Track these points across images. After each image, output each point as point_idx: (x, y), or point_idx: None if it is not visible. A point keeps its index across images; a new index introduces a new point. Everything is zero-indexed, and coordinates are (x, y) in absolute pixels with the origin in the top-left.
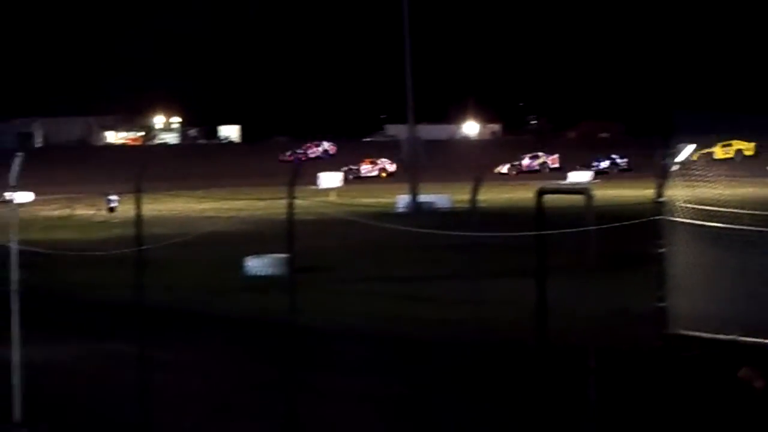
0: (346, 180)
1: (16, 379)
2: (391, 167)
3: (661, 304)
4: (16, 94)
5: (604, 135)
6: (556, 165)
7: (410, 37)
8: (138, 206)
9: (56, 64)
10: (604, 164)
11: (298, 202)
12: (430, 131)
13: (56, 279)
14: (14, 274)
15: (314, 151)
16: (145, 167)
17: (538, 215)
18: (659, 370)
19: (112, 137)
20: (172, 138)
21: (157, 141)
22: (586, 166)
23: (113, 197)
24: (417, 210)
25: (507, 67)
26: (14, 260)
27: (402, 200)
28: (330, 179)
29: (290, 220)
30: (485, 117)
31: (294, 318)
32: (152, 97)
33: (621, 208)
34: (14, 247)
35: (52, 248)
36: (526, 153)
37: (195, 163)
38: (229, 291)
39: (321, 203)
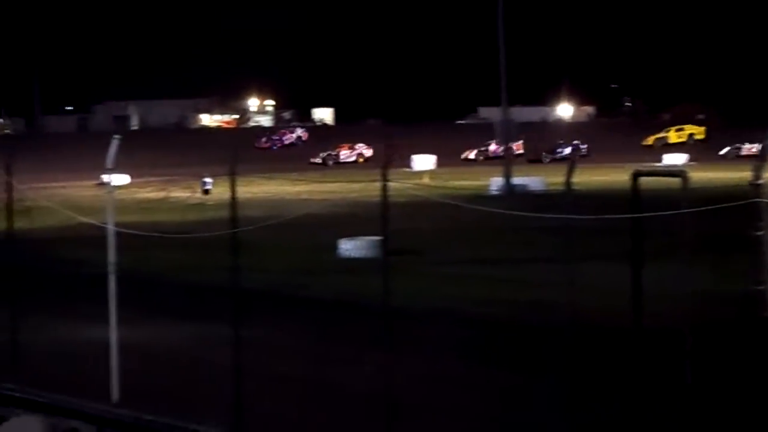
0: (325, 165)
1: (113, 360)
2: (368, 152)
3: (760, 288)
4: (112, 77)
5: (700, 117)
6: (520, 151)
7: (504, 19)
8: (232, 188)
9: (151, 48)
10: (567, 150)
11: (391, 184)
12: (524, 113)
13: (152, 261)
14: (111, 257)
15: (289, 138)
16: (236, 150)
17: (633, 198)
18: (757, 354)
19: (207, 120)
20: (266, 121)
21: (251, 124)
22: (552, 152)
23: (208, 179)
24: (510, 192)
25: (602, 48)
26: (111, 242)
27: (495, 183)
28: (423, 162)
29: (384, 202)
30: (579, 99)
31: (387, 300)
32: (246, 80)
33: (715, 190)
34: (111, 229)
35: (147, 230)
36: (621, 133)
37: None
38: (322, 273)
39: (414, 185)
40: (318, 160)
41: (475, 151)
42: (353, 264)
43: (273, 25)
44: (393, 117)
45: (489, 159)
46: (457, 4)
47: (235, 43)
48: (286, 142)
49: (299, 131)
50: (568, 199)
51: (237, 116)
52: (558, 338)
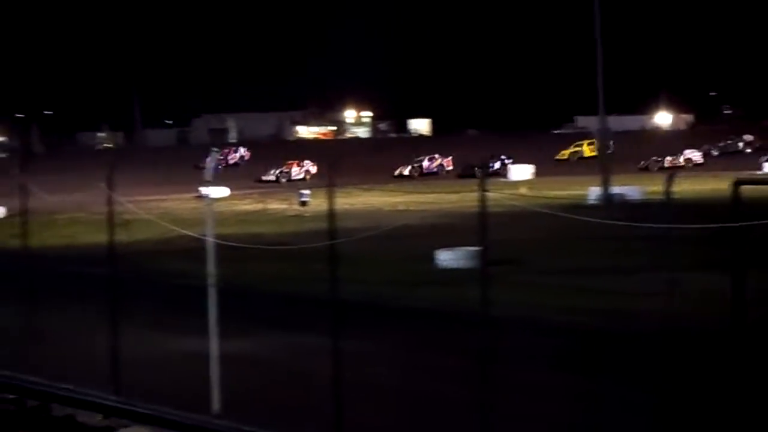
0: (278, 182)
1: (214, 371)
2: (313, 169)
3: None
4: (210, 91)
5: None
6: (450, 167)
7: (601, 27)
8: (330, 200)
9: (249, 61)
10: (497, 164)
11: (489, 194)
12: (622, 122)
13: (251, 273)
14: (211, 268)
15: (233, 157)
16: (338, 161)
17: (734, 206)
18: None
19: (304, 132)
20: (363, 132)
21: (348, 135)
22: (483, 168)
23: (305, 191)
24: (608, 202)
25: (701, 57)
26: (211, 254)
27: (593, 192)
28: (520, 171)
29: (482, 212)
30: (678, 107)
31: (486, 311)
32: (343, 91)
33: None
34: (211, 241)
35: (246, 242)
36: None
37: (384, 157)
38: (420, 284)
39: (512, 195)
40: (271, 178)
41: (409, 167)
42: (451, 274)
43: (370, 37)
44: (490, 127)
45: (423, 175)
46: (555, 14)
47: (332, 54)
48: (231, 162)
49: (242, 150)
50: (668, 208)
51: (334, 128)
52: (659, 347)
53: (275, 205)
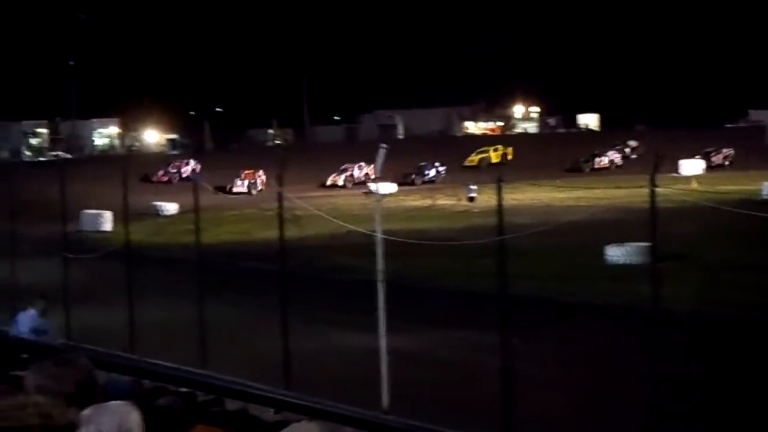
0: (250, 193)
1: (383, 367)
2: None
3: None
4: (379, 87)
5: None
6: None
7: None
8: (499, 196)
9: (418, 56)
10: (432, 172)
11: (659, 190)
12: None
13: (419, 268)
14: (380, 264)
15: (185, 170)
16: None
17: None
18: None
19: (472, 128)
20: (531, 127)
21: (516, 131)
22: (420, 174)
23: (473, 187)
24: None
25: None
26: (379, 250)
27: (767, 187)
28: (691, 166)
29: (652, 208)
30: None
31: (657, 306)
32: (511, 87)
33: None
34: (379, 236)
35: (414, 238)
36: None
37: (553, 152)
38: (589, 279)
39: (681, 191)
40: (242, 189)
41: (343, 177)
42: (620, 270)
43: (539, 31)
44: (660, 121)
45: (356, 185)
46: (727, 5)
47: (501, 50)
48: (184, 175)
49: (192, 163)
50: None
51: (502, 123)
52: None
53: (443, 201)
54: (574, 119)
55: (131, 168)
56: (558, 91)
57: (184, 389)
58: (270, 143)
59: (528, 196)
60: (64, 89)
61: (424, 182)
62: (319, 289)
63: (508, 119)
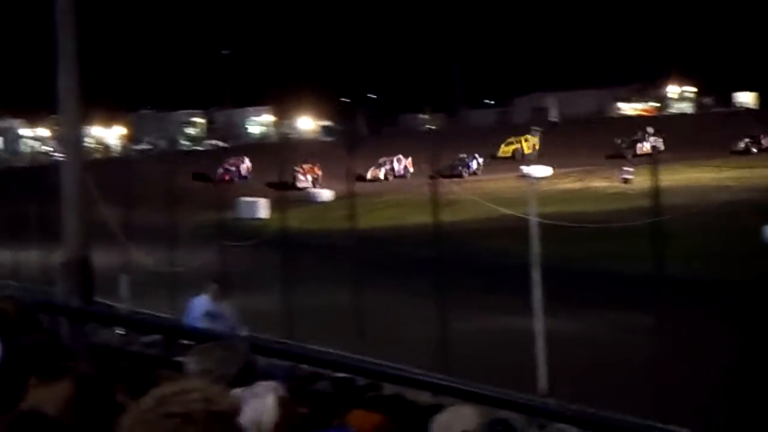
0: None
1: (539, 350)
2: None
3: None
4: (531, 70)
5: None
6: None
7: None
8: (654, 177)
9: (569, 37)
10: (473, 164)
11: None
12: None
13: (574, 251)
14: (535, 247)
15: (244, 168)
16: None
17: None
18: None
19: (626, 109)
20: (686, 107)
21: (671, 111)
22: (465, 166)
23: (628, 168)
24: None
25: None
26: (534, 233)
27: None
28: None
29: None
30: None
31: None
32: (666, 66)
33: None
34: (534, 220)
35: (568, 221)
36: None
37: (708, 132)
38: (745, 260)
39: None
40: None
41: (383, 170)
42: None
43: (692, 9)
44: None
45: (396, 178)
46: None
47: (654, 29)
48: (243, 173)
49: (247, 161)
50: None
51: (657, 104)
52: None
53: (597, 183)
54: (730, 98)
55: (280, 156)
56: (714, 69)
57: (340, 374)
58: (422, 128)
59: (684, 177)
60: (219, 78)
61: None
62: (474, 273)
63: (663, 99)
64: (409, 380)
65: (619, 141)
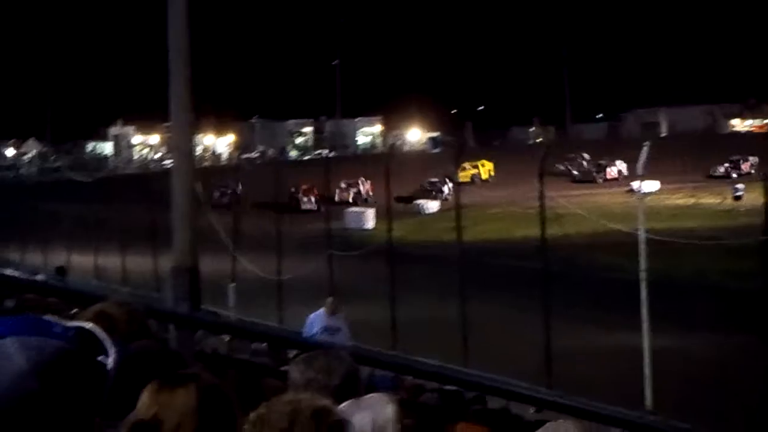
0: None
1: (646, 366)
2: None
3: None
4: (641, 84)
5: None
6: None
7: None
8: (766, 194)
9: (680, 52)
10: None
11: None
12: None
13: (682, 267)
14: (642, 263)
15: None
16: None
17: None
18: None
19: (738, 125)
20: None
21: None
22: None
23: (740, 186)
24: None
25: None
26: (642, 249)
27: None
28: None
29: None
30: None
31: None
32: None
33: None
34: (642, 235)
35: (677, 237)
36: None
37: None
38: None
39: None
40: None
41: (352, 192)
42: None
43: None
44: None
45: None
46: None
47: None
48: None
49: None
50: None
51: None
52: None
53: (707, 200)
54: None
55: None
56: None
57: (446, 387)
58: (531, 141)
59: None
60: (328, 88)
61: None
62: (580, 287)
63: None
64: (514, 394)
65: (726, 165)
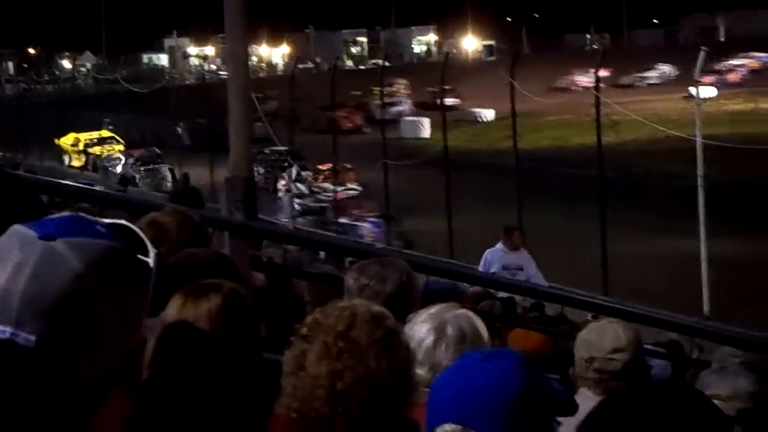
0: None
1: (704, 272)
2: None
3: None
4: None
5: None
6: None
7: None
8: None
9: None
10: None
11: None
12: None
13: (740, 173)
14: (700, 169)
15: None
16: None
17: None
18: None
19: None
20: None
21: None
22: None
23: None
24: None
25: None
26: (700, 155)
27: None
28: None
29: None
30: None
31: None
32: None
33: None
34: (699, 141)
35: (734, 142)
36: None
37: None
38: None
39: None
40: None
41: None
42: None
43: None
44: None
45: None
46: None
47: None
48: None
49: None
50: None
51: None
52: None
53: (766, 104)
54: None
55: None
56: None
57: (504, 294)
58: (587, 48)
59: None
60: None
61: None
62: (637, 195)
63: None
64: (570, 300)
65: None
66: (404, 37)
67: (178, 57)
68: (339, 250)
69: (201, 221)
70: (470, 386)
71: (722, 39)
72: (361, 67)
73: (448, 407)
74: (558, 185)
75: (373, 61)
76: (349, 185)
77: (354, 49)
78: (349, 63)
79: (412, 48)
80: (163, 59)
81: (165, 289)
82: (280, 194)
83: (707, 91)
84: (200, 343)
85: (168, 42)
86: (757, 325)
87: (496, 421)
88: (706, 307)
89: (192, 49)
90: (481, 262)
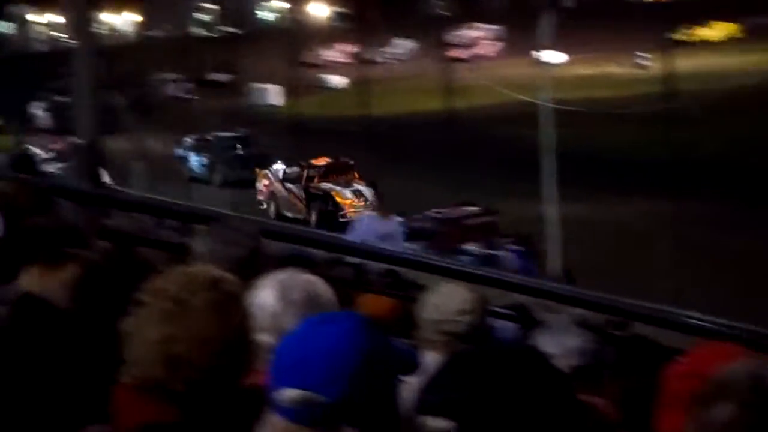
0: None
1: (553, 234)
2: None
3: None
4: None
5: None
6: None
7: None
8: (670, 63)
9: None
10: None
11: None
12: None
13: (588, 137)
14: (548, 134)
15: None
16: None
17: None
18: None
19: None
20: None
21: None
22: None
23: (644, 54)
24: None
25: None
26: (548, 119)
27: None
28: None
29: None
30: None
31: None
32: None
33: None
34: (548, 106)
35: (582, 106)
36: None
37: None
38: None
39: None
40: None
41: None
42: None
43: None
44: None
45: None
46: None
47: None
48: None
49: None
50: None
51: None
52: None
53: (613, 69)
54: None
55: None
56: None
57: (356, 260)
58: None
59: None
60: None
61: None
62: (488, 159)
63: None
64: (421, 264)
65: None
66: (254, 3)
67: (22, 24)
68: (185, 216)
69: (46, 189)
70: (310, 350)
71: (570, 5)
72: (212, 35)
73: (288, 372)
74: (410, 150)
75: (222, 27)
76: (357, 186)
77: (202, 16)
78: (198, 30)
79: (259, 15)
80: (7, 27)
81: (11, 257)
82: (261, 197)
83: (555, 57)
84: (53, 312)
85: (12, 9)
86: (607, 288)
87: (337, 385)
88: (555, 268)
89: (36, 17)
90: (354, 228)
